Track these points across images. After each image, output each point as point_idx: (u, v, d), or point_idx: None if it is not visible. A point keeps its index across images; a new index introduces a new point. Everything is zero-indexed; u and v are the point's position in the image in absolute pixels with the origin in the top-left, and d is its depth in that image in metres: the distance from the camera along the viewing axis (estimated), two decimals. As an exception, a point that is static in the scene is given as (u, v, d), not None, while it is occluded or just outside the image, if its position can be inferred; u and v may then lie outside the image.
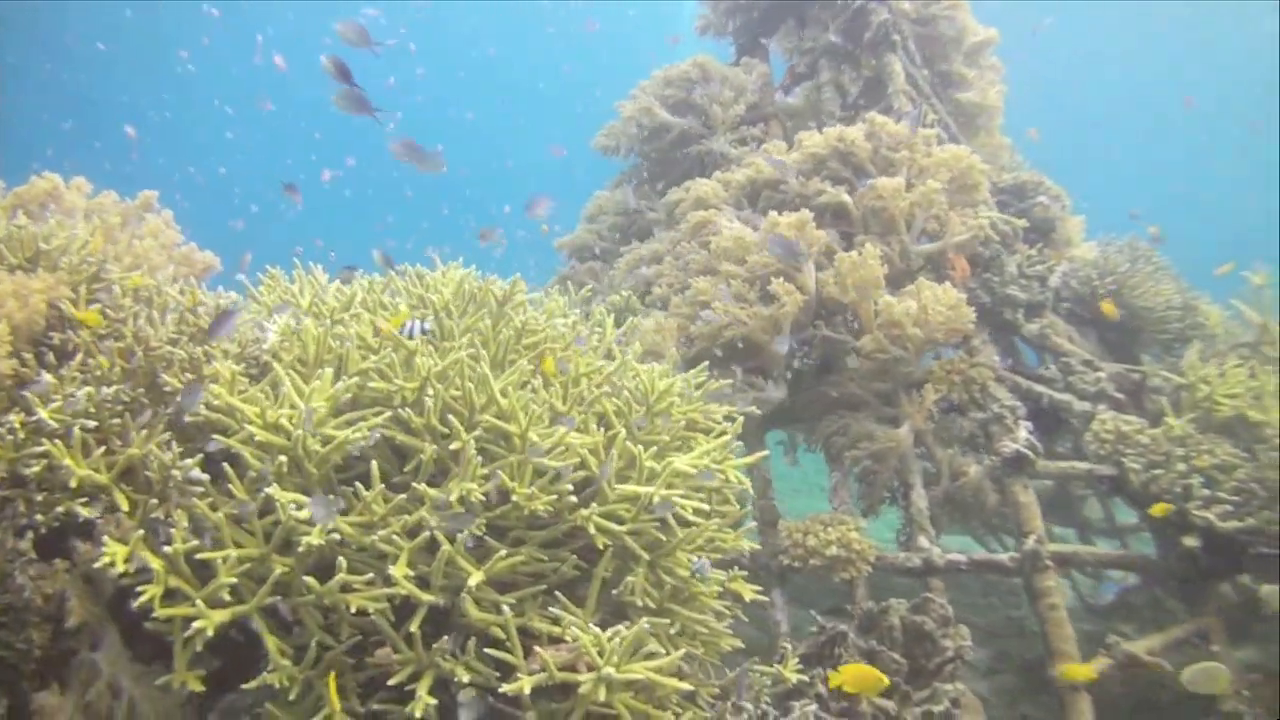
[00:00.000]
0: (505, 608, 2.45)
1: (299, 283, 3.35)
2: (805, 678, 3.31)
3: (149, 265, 3.32)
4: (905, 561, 3.81)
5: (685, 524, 2.85)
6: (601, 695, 2.37)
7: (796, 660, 3.27)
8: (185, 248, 3.69)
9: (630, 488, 2.75)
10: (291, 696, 2.27)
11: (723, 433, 3.06)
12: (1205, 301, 5.21)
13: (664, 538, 2.82)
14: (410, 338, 2.79)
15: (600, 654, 2.39)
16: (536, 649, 2.48)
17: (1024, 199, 5.34)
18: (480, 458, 2.54)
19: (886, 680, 2.91)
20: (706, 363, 3.79)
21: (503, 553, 2.53)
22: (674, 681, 2.52)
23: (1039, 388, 4.26)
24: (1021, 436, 3.95)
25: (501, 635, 2.46)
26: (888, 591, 3.74)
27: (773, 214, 4.23)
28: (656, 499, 2.72)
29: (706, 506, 2.87)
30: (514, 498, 2.54)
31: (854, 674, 2.87)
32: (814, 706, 3.25)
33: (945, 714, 3.46)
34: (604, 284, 5.10)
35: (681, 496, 2.79)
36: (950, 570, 3.79)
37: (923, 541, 3.85)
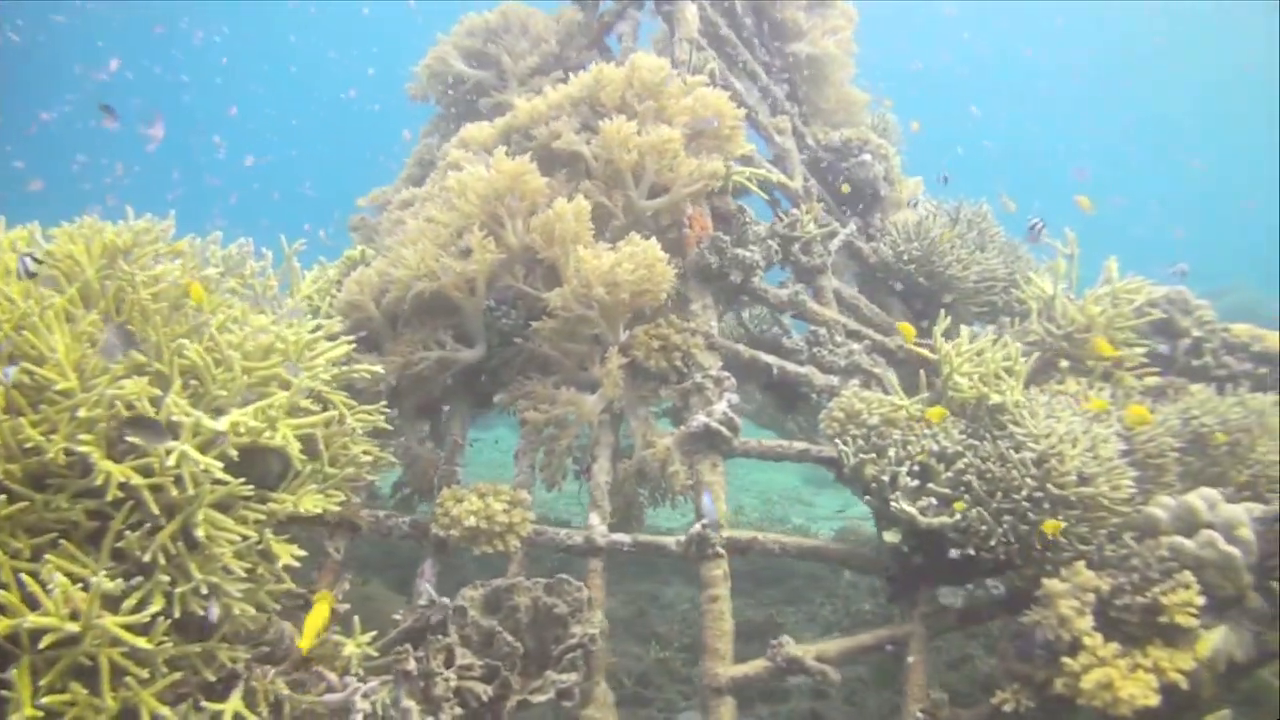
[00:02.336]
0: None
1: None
2: (377, 654, 3.10)
3: None
4: (566, 539, 3.49)
5: (219, 483, 2.80)
6: (45, 642, 2.47)
7: (369, 636, 3.06)
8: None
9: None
10: None
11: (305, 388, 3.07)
12: (1040, 275, 4.60)
13: (178, 492, 2.75)
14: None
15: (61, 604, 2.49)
16: (1, 595, 2.52)
17: (847, 158, 4.84)
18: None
19: None
20: (340, 317, 3.56)
21: (3, 498, 2.65)
22: (134, 637, 2.62)
23: (766, 358, 3.82)
24: (718, 410, 3.54)
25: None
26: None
27: (500, 155, 3.91)
28: (172, 459, 2.70)
29: (220, 465, 2.75)
30: (29, 445, 2.68)
31: None
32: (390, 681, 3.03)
33: (549, 705, 3.16)
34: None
35: (208, 455, 2.75)
36: (613, 550, 3.45)
37: (594, 518, 3.51)
